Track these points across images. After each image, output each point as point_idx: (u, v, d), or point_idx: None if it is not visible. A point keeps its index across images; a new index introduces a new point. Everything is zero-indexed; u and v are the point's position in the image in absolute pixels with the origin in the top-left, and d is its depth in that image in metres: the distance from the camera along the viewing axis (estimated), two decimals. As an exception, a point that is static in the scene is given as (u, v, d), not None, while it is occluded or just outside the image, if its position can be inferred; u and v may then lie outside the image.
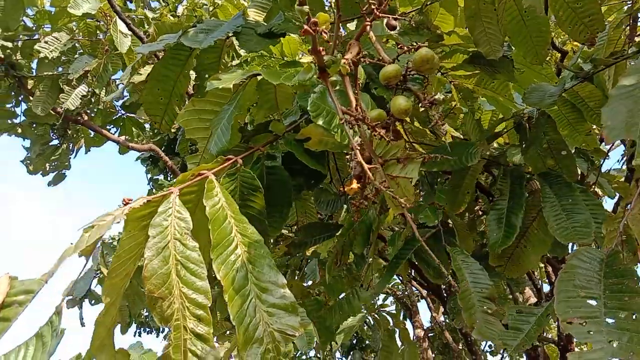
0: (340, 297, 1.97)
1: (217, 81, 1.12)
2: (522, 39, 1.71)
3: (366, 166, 0.83)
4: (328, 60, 0.87)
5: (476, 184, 2.31)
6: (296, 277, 2.35)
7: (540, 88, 1.78)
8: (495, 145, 2.79)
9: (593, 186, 2.19)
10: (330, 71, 0.90)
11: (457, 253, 1.59)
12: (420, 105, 0.93)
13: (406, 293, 6.91)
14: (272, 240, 2.24)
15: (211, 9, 4.45)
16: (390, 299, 7.34)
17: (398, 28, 1.64)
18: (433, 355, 6.32)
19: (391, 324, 3.50)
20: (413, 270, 3.31)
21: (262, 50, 1.96)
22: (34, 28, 3.69)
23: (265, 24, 1.52)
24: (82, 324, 3.97)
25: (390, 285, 6.13)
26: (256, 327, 0.86)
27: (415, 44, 1.03)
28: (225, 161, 1.11)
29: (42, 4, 3.66)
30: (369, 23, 1.08)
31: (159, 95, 1.64)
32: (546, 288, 3.94)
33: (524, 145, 1.88)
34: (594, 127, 2.19)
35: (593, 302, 1.05)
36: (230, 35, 1.50)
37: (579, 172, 2.37)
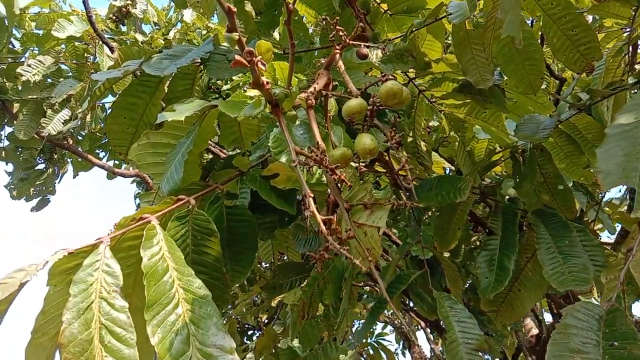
0: (317, 346, 1.83)
1: (170, 113, 1.01)
2: (514, 67, 1.61)
3: (319, 217, 0.71)
4: (279, 94, 0.76)
5: (472, 216, 2.19)
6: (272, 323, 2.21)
7: (534, 119, 1.67)
8: (493, 174, 2.68)
9: (592, 223, 2.06)
10: (284, 106, 0.79)
11: (444, 299, 1.46)
12: (387, 145, 0.82)
13: (405, 321, 6.73)
14: (244, 282, 2.11)
15: (204, 32, 4.39)
16: (389, 327, 7.15)
17: (381, 55, 1.54)
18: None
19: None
20: (410, 301, 3.17)
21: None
22: (21, 50, 3.62)
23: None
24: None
25: (388, 313, 5.96)
26: (194, 405, 0.74)
27: (402, 73, 0.92)
28: (175, 202, 0.99)
29: (29, 27, 3.60)
30: (339, 51, 0.98)
31: (125, 124, 1.53)
32: (548, 317, 3.76)
33: (517, 180, 1.76)
34: (592, 159, 2.07)
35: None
36: (197, 62, 1.40)
37: (578, 207, 2.25)
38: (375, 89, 0.90)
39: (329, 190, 0.99)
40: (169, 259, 0.85)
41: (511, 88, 1.89)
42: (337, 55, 0.98)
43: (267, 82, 0.74)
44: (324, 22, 1.11)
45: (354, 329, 3.14)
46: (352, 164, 0.96)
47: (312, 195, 0.73)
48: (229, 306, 3.46)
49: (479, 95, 1.74)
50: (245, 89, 1.68)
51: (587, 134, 1.81)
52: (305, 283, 1.57)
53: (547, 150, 1.79)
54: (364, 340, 3.90)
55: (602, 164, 0.92)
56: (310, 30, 2.31)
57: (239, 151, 1.55)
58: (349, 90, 0.92)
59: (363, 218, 0.86)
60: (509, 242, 1.59)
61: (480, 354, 1.37)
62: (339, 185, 0.87)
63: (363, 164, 1.70)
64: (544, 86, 2.33)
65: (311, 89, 0.92)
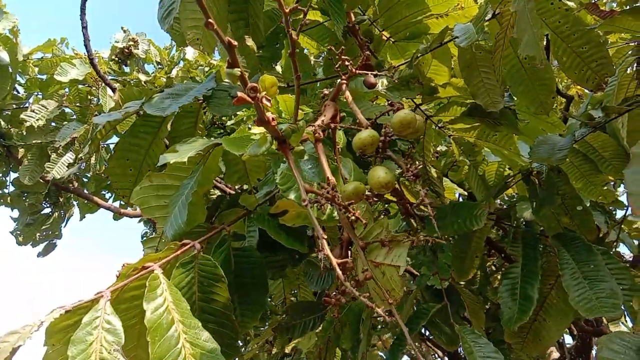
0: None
1: (172, 154, 0.96)
2: (524, 88, 1.56)
3: (335, 261, 0.65)
4: (286, 130, 0.72)
5: (486, 240, 2.11)
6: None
7: (548, 140, 1.62)
8: (504, 196, 2.61)
9: (614, 244, 1.98)
10: (291, 141, 0.74)
11: (467, 333, 1.38)
12: (403, 177, 0.77)
13: (422, 352, 6.55)
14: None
15: (207, 69, 4.41)
16: (405, 358, 6.96)
17: (386, 83, 1.50)
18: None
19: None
20: (426, 331, 3.06)
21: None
22: (25, 96, 3.63)
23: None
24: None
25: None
26: None
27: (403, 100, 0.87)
28: (180, 247, 0.93)
29: (33, 72, 3.62)
30: (345, 81, 0.94)
31: (128, 166, 1.49)
32: (568, 339, 3.61)
33: (534, 204, 1.70)
34: (610, 178, 2.01)
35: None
36: (200, 99, 1.36)
37: (597, 227, 2.18)
38: (387, 119, 0.85)
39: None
40: (174, 310, 0.79)
41: (522, 109, 1.84)
42: (344, 86, 0.94)
43: (273, 119, 0.69)
44: (326, 53, 1.07)
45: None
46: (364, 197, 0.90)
47: (325, 237, 0.67)
48: (242, 345, 3.36)
49: (489, 118, 1.69)
50: (249, 126, 1.64)
51: (603, 152, 1.75)
52: (320, 328, 1.49)
53: (563, 171, 1.73)
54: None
55: (632, 186, 0.86)
56: (312, 62, 2.29)
57: (246, 187, 1.50)
58: (357, 121, 0.88)
59: (380, 257, 0.80)
60: (531, 269, 1.52)
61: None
62: (352, 222, 0.81)
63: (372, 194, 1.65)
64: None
65: (318, 122, 0.88)
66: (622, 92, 1.74)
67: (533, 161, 1.61)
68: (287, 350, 2.03)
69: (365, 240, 0.82)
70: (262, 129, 0.74)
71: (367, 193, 0.85)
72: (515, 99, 1.68)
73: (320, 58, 2.65)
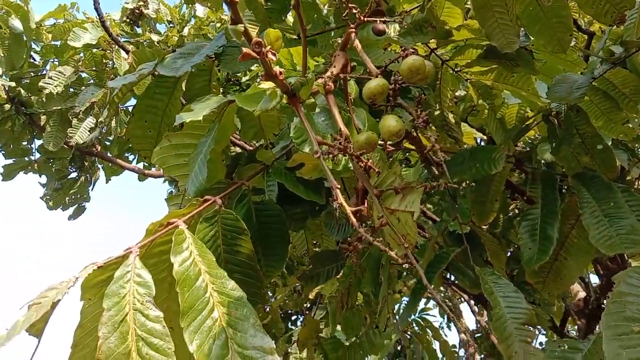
0: (360, 333, 1.80)
1: (187, 113, 0.98)
2: (540, 27, 1.52)
3: (348, 210, 0.67)
4: (295, 83, 0.72)
5: (508, 184, 2.11)
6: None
7: (566, 79, 1.59)
8: (526, 138, 2.58)
9: (637, 181, 1.97)
10: (301, 94, 0.75)
11: (487, 274, 1.41)
12: (413, 125, 0.77)
13: (448, 296, 6.66)
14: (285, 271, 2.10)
15: (218, 25, 4.36)
16: (432, 302, 7.10)
17: (398, 29, 1.48)
18: (481, 358, 6.05)
19: (430, 336, 3.29)
20: (451, 276, 3.10)
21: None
22: (42, 63, 3.66)
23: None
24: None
25: (430, 288, 5.89)
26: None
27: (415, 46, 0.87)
28: (202, 203, 0.97)
29: (47, 39, 3.63)
30: (353, 30, 0.93)
31: (147, 127, 1.52)
32: (594, 278, 3.63)
33: (554, 144, 1.68)
34: (632, 115, 1.97)
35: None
36: (211, 57, 1.37)
37: (619, 166, 2.15)
38: (397, 66, 0.85)
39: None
40: (200, 262, 0.83)
41: (539, 48, 1.80)
42: (353, 35, 0.93)
43: (281, 72, 0.70)
44: (337, 1, 1.06)
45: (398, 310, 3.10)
46: (378, 146, 0.92)
47: (339, 186, 0.69)
48: (270, 295, 3.47)
49: (506, 60, 1.66)
50: (258, 81, 1.64)
51: (623, 88, 1.72)
52: (341, 273, 1.54)
53: (582, 110, 1.70)
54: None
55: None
56: (325, 11, 2.25)
57: (263, 143, 1.52)
58: (368, 70, 0.88)
59: (395, 204, 0.82)
60: (551, 209, 1.53)
61: (530, 327, 1.32)
62: (367, 171, 0.83)
63: (390, 144, 1.65)
64: (572, 43, 2.22)
65: (328, 73, 0.88)
66: (643, 24, 1.68)
67: (551, 101, 1.58)
68: (311, 297, 2.09)
69: (380, 189, 0.84)
70: (271, 84, 0.75)
71: (380, 142, 0.86)
72: (532, 38, 1.64)
73: (333, 6, 2.60)
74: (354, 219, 0.66)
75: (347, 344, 1.76)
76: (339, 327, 1.93)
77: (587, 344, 1.06)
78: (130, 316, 0.74)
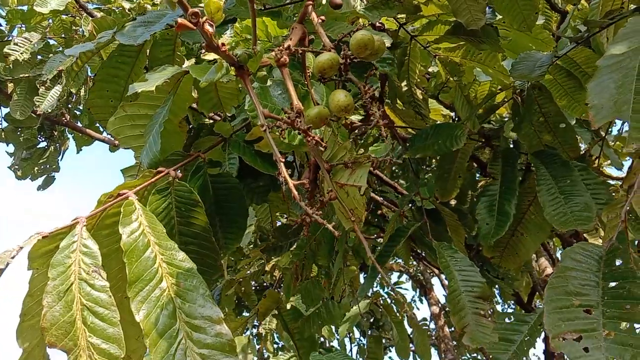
0: (319, 304, 1.83)
1: (140, 83, 0.97)
2: (506, 4, 1.53)
3: (291, 183, 0.68)
4: (242, 55, 0.72)
5: (477, 161, 2.14)
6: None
7: (530, 57, 1.60)
8: (497, 116, 2.60)
9: (597, 160, 2.01)
10: (249, 67, 0.74)
11: (444, 248, 1.44)
12: (359, 100, 0.78)
13: (419, 270, 6.78)
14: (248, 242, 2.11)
15: (193, -6, 4.26)
16: (405, 276, 7.21)
17: (365, 3, 1.47)
18: (450, 331, 6.21)
19: (396, 311, 3.36)
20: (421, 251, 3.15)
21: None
22: (8, 28, 3.55)
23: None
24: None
25: (402, 262, 5.99)
26: (184, 377, 0.73)
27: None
28: (155, 175, 0.97)
29: (13, 3, 3.51)
30: (311, 2, 0.92)
31: (109, 97, 1.49)
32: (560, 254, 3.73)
33: (516, 122, 1.71)
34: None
35: (590, 313, 0.90)
36: (173, 26, 1.34)
37: (582, 145, 2.19)
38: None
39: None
40: (150, 234, 0.83)
41: (507, 26, 1.80)
42: (310, 7, 0.93)
43: (223, 44, 0.69)
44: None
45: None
46: (334, 121, 0.92)
47: (284, 160, 0.70)
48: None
49: (473, 37, 1.67)
50: (201, 50, 1.62)
51: (586, 68, 1.74)
52: (295, 246, 1.56)
53: (546, 88, 1.72)
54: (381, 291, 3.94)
55: (593, 99, 0.88)
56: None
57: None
58: (323, 43, 0.88)
59: (344, 178, 0.83)
60: (509, 186, 1.56)
61: (483, 301, 1.36)
62: (318, 146, 0.83)
63: (357, 118, 1.66)
64: (542, 21, 2.24)
65: (283, 47, 0.88)
66: (607, 4, 1.70)
67: (513, 78, 1.60)
68: (267, 268, 2.12)
69: (330, 163, 0.84)
70: (215, 55, 0.74)
71: (334, 117, 0.86)
72: (499, 16, 1.65)
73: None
74: (295, 193, 0.67)
75: (307, 314, 1.79)
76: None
77: (534, 317, 1.10)
78: (76, 285, 0.75)
